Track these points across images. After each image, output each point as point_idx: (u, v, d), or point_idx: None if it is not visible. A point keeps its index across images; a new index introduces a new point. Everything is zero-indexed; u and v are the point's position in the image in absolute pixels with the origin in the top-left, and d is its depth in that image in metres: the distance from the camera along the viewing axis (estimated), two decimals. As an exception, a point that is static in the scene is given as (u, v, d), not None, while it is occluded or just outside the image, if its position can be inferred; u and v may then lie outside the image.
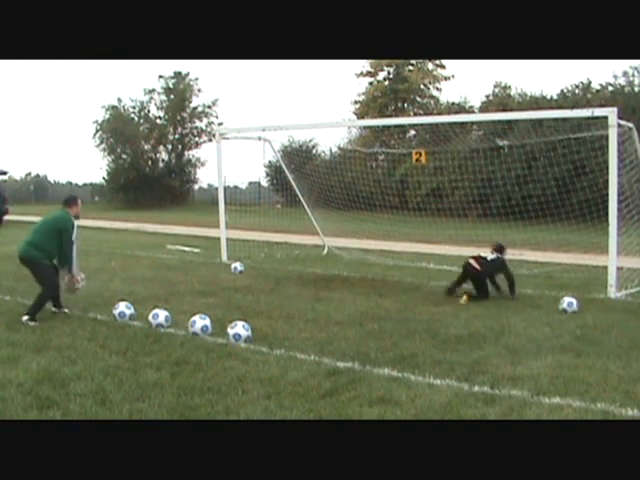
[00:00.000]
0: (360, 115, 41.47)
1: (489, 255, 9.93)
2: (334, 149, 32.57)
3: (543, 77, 71.19)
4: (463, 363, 5.99)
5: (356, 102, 43.00)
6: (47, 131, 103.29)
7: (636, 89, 29.01)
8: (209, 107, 51.84)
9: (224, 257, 14.06)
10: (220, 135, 14.98)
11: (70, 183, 73.85)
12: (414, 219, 18.97)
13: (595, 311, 8.54)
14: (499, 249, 10.14)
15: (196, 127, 52.35)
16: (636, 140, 10.74)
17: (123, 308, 7.82)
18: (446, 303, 9.12)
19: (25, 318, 7.58)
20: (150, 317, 7.45)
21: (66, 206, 8.13)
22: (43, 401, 4.89)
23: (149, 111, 52.29)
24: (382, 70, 42.00)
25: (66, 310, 8.13)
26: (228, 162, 15.73)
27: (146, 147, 51.91)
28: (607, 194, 9.81)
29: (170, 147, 52.74)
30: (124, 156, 50.50)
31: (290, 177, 16.03)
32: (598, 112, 10.16)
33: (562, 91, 30.87)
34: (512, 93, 33.57)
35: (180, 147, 52.62)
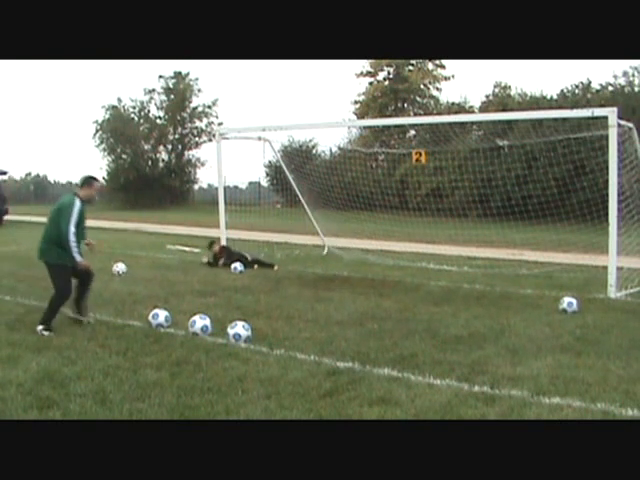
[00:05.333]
0: (360, 115, 41.49)
1: None
2: (334, 149, 32.62)
3: (543, 77, 71.33)
4: (463, 363, 5.99)
5: (356, 102, 43.06)
6: (47, 131, 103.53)
7: (636, 89, 29.01)
8: (209, 107, 51.91)
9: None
10: (220, 135, 14.97)
11: (70, 183, 73.87)
12: (414, 219, 18.94)
13: (595, 311, 8.54)
14: None
15: (196, 127, 52.40)
16: (636, 140, 10.74)
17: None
18: (446, 303, 9.12)
19: (39, 328, 7.07)
20: (150, 317, 7.45)
21: (78, 187, 7.55)
22: (43, 401, 4.89)
23: (149, 111, 52.38)
24: (382, 70, 42.03)
25: (90, 320, 7.62)
26: (228, 162, 15.76)
27: (146, 147, 51.97)
28: (607, 194, 9.81)
29: (170, 147, 52.78)
30: (124, 156, 50.56)
31: (290, 177, 16.03)
32: (598, 112, 10.15)
33: (562, 91, 30.88)
34: (512, 93, 33.57)
35: (180, 147, 52.65)
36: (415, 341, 6.86)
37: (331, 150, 33.19)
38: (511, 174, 22.70)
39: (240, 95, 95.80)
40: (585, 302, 8.91)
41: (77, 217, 7.23)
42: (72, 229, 7.15)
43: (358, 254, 14.86)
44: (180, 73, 50.98)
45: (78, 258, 7.23)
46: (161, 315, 7.45)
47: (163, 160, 52.74)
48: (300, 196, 15.60)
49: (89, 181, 7.59)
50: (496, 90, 34.62)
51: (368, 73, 42.40)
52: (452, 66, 43.51)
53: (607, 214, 9.84)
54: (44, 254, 7.38)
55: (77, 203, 7.28)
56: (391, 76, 41.86)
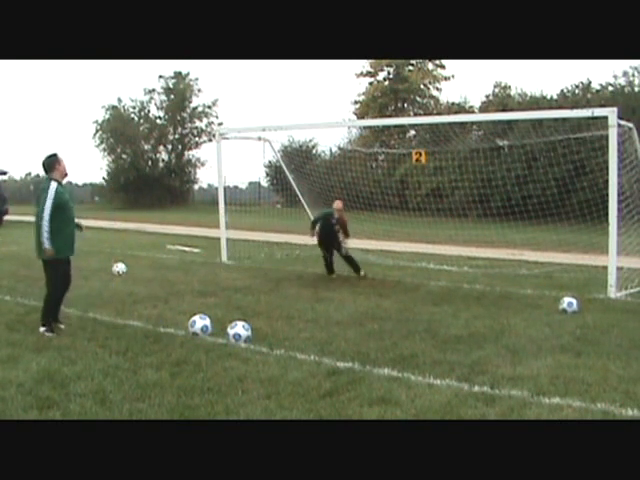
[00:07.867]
0: (360, 115, 41.49)
1: None
2: (334, 149, 32.64)
3: (543, 77, 71.22)
4: (463, 363, 5.99)
5: (356, 102, 43.06)
6: (47, 131, 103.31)
7: (636, 89, 29.00)
8: (209, 107, 51.91)
9: (224, 257, 14.07)
10: (220, 135, 14.98)
11: (70, 183, 73.83)
12: (414, 219, 18.95)
13: (595, 311, 8.54)
14: None
15: (196, 127, 52.41)
16: (636, 140, 10.74)
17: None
18: (446, 303, 9.12)
19: (42, 329, 7.01)
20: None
21: (48, 173, 7.09)
22: (43, 401, 4.89)
23: (149, 111, 52.37)
24: (382, 70, 42.04)
25: (61, 326, 7.27)
26: (228, 162, 15.73)
27: (146, 147, 51.95)
28: (607, 194, 9.81)
29: (170, 147, 52.77)
30: (124, 156, 50.55)
31: (290, 177, 16.02)
32: (598, 112, 10.16)
33: (562, 91, 30.88)
34: (512, 93, 33.58)
35: (180, 147, 52.65)
36: (415, 341, 6.86)
37: (331, 150, 33.27)
38: (511, 174, 22.69)
39: (240, 95, 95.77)
40: (585, 302, 8.91)
41: (54, 200, 6.90)
42: (48, 212, 6.84)
43: (358, 254, 14.84)
44: (180, 73, 50.99)
45: (47, 244, 6.89)
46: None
47: (163, 160, 52.74)
48: (300, 196, 15.59)
49: (53, 161, 7.12)
50: (496, 90, 34.64)
51: (368, 73, 42.40)
52: (452, 66, 43.56)
53: (607, 214, 9.84)
54: (36, 250, 7.12)
55: (52, 185, 6.95)
56: (391, 76, 41.86)
